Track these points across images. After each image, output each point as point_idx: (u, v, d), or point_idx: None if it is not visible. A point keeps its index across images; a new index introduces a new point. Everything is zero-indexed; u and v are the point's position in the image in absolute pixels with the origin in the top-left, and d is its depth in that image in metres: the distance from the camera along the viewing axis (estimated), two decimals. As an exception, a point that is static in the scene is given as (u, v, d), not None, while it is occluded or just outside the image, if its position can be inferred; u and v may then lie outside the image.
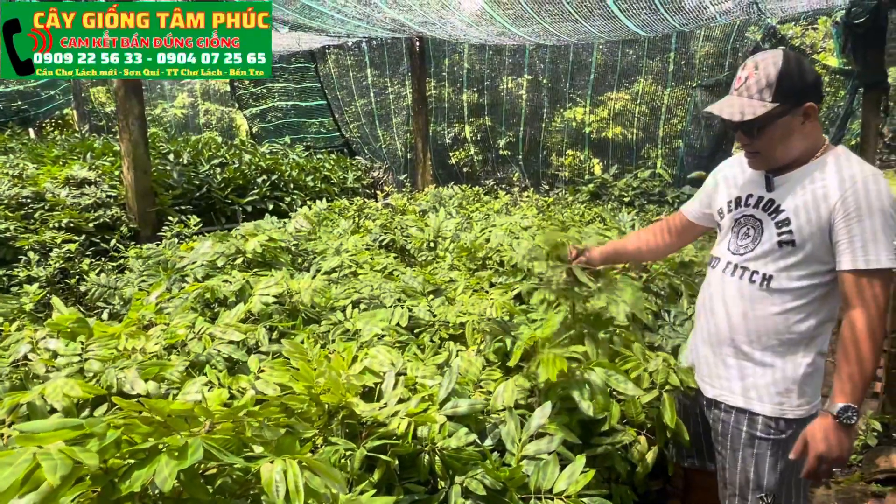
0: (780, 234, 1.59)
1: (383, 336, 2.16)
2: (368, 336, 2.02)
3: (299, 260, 3.45)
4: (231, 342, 2.04)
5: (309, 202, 5.88)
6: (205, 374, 1.81)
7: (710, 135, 7.87)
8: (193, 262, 2.92)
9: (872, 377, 1.50)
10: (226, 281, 2.56)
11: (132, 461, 0.96)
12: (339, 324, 2.24)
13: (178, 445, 0.91)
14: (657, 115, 8.96)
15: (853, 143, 8.08)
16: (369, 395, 1.71)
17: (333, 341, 2.09)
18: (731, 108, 1.54)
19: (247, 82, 10.85)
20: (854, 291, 1.49)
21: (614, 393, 1.82)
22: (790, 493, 1.71)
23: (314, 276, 2.69)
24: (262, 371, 1.79)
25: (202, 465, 0.97)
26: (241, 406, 1.08)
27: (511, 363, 1.89)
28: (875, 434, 3.02)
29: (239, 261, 2.88)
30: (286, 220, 4.14)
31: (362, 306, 2.50)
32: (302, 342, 2.14)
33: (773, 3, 6.02)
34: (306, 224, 3.64)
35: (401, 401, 1.62)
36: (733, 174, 1.80)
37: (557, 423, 1.65)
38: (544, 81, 9.84)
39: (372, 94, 10.29)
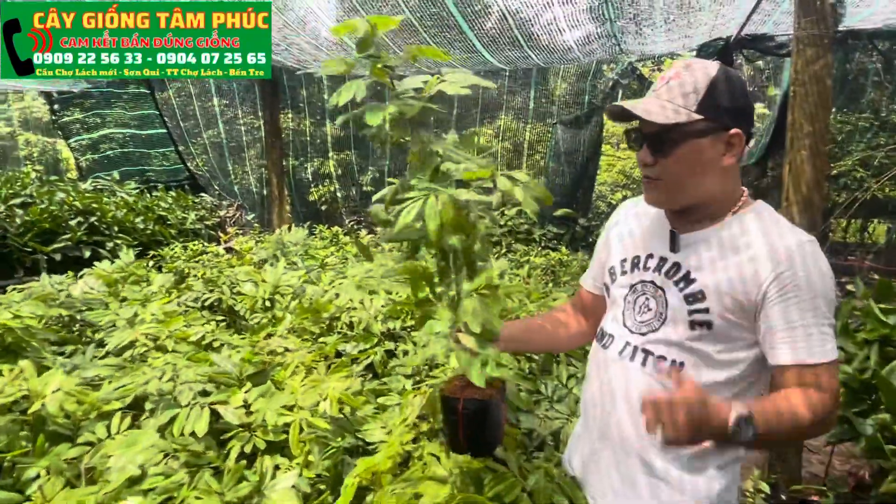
0: (691, 314, 1.19)
1: (163, 461, 1.51)
2: (119, 481, 1.35)
3: (89, 332, 2.66)
4: None
5: (129, 249, 4.98)
6: None
7: (571, 171, 7.88)
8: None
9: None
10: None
11: None
12: (99, 443, 1.55)
13: None
14: (520, 152, 8.91)
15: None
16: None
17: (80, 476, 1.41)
18: (644, 107, 1.16)
19: (72, 108, 9.46)
20: (798, 384, 1.12)
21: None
22: None
23: (72, 370, 1.95)
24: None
25: None
26: None
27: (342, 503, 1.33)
28: (763, 497, 2.78)
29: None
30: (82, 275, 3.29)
31: (149, 406, 1.83)
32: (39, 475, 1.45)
33: (634, 46, 6.09)
34: (99, 284, 2.84)
35: None
36: (629, 227, 1.39)
37: None
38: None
39: (221, 125, 9.36)
